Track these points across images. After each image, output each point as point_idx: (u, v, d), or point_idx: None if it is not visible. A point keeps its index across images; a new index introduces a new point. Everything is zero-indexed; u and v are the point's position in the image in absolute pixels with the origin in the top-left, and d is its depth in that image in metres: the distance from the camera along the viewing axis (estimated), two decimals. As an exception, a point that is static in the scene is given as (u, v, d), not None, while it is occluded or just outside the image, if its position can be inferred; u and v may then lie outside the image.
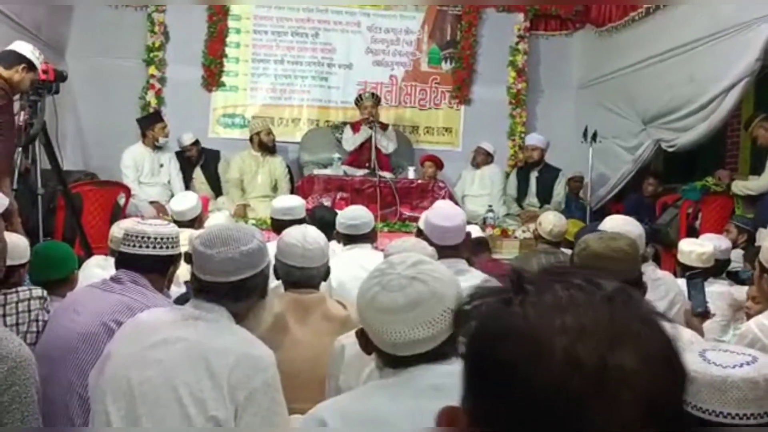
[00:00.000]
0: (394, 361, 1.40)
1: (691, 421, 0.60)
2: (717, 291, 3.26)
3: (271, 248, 2.17)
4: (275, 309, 2.34)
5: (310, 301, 2.39)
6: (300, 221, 3.56)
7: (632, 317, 0.62)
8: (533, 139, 6.97)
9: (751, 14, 5.04)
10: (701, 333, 2.64)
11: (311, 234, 2.46)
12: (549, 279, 0.64)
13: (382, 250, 2.78)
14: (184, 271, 2.57)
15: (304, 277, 2.40)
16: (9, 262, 2.37)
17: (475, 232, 3.72)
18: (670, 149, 6.38)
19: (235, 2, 7.31)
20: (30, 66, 3.96)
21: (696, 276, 2.77)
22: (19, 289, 2.42)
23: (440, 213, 3.01)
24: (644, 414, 0.58)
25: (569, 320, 0.60)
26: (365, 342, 1.47)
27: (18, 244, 2.54)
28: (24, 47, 4.02)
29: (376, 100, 6.76)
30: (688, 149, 6.24)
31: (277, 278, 2.46)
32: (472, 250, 3.46)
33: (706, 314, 2.73)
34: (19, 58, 3.93)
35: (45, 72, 4.03)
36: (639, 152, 6.78)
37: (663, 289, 2.80)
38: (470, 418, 0.64)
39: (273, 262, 2.26)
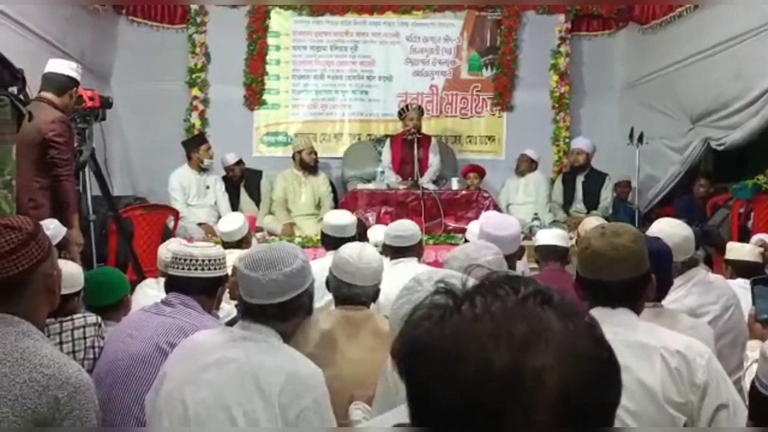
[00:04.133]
0: None
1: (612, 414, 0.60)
2: None
3: (317, 265, 2.17)
4: (325, 326, 2.35)
5: (359, 317, 2.40)
6: (352, 239, 3.56)
7: (546, 317, 0.62)
8: (579, 143, 6.87)
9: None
10: (765, 340, 2.54)
11: (367, 254, 2.48)
12: (474, 290, 0.65)
13: (430, 264, 2.77)
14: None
15: (353, 295, 2.42)
16: (64, 291, 2.42)
17: (559, 241, 3.58)
18: (720, 147, 6.21)
19: (273, 3, 7.36)
20: (76, 85, 4.02)
21: (761, 280, 2.65)
22: (75, 316, 2.48)
23: (495, 222, 2.98)
24: (560, 412, 0.58)
25: (482, 329, 0.61)
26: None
27: (72, 272, 2.60)
28: (66, 67, 4.01)
29: (421, 111, 6.74)
30: (739, 147, 6.06)
31: (328, 289, 2.48)
32: (544, 257, 3.40)
33: None
34: (70, 82, 3.97)
35: (91, 99, 4.12)
36: (687, 152, 6.62)
37: (715, 293, 2.70)
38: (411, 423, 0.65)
39: (319, 278, 2.27)
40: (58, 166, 3.78)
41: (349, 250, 2.48)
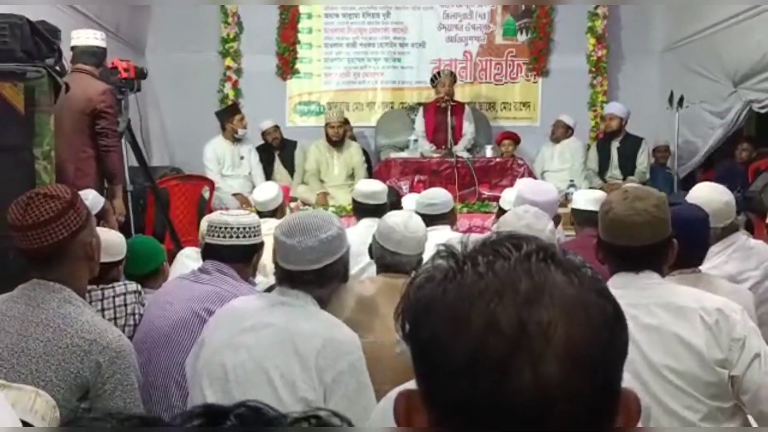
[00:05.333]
0: None
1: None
2: None
3: (350, 232, 2.18)
4: (367, 292, 2.36)
5: (401, 285, 2.38)
6: (382, 206, 3.56)
7: (549, 272, 0.62)
8: (612, 108, 6.71)
9: None
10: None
11: (414, 222, 2.47)
12: (475, 251, 0.65)
13: (464, 232, 2.75)
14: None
15: (396, 263, 2.42)
16: (107, 259, 2.48)
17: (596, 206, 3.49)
18: (763, 110, 6.02)
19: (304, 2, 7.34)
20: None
21: None
22: (116, 284, 2.53)
23: (532, 188, 2.96)
24: (567, 365, 0.58)
25: (485, 286, 0.61)
26: None
27: (115, 241, 2.65)
28: (93, 37, 4.03)
29: (453, 78, 6.65)
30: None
31: (371, 257, 2.49)
32: (580, 222, 3.35)
33: None
34: (104, 53, 4.04)
35: (126, 70, 4.16)
36: (729, 116, 6.43)
37: (756, 259, 2.65)
38: (420, 397, 0.64)
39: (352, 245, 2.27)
40: (107, 136, 3.86)
41: (396, 218, 2.48)
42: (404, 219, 2.46)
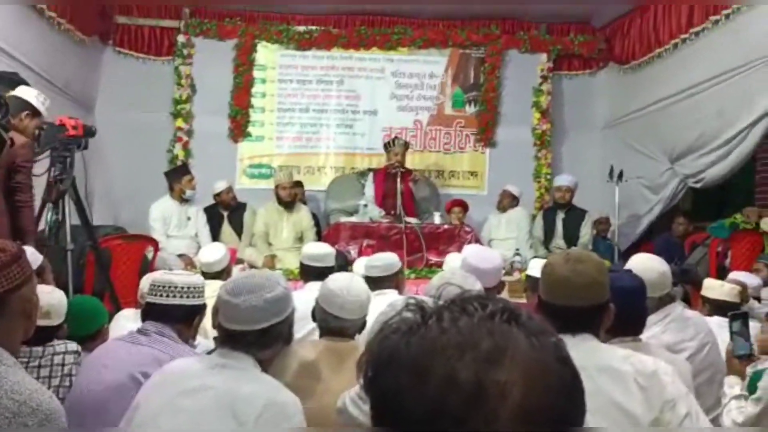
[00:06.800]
0: None
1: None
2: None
3: (297, 296, 2.16)
4: (309, 356, 2.33)
5: (344, 349, 2.37)
6: (330, 269, 3.55)
7: (512, 333, 0.63)
8: (565, 180, 6.87)
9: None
10: (743, 376, 2.55)
11: (356, 286, 2.46)
12: (443, 306, 0.66)
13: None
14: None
15: (339, 327, 2.40)
16: (49, 323, 2.40)
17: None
18: (697, 185, 6.29)
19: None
20: (34, 112, 3.96)
21: (739, 316, 2.66)
22: (56, 342, 2.44)
23: (477, 254, 2.99)
24: (521, 423, 0.59)
25: (447, 341, 0.62)
26: None
27: (58, 302, 2.56)
28: (27, 93, 4.00)
29: (406, 146, 6.78)
30: (716, 184, 6.15)
31: (314, 320, 2.46)
32: (533, 287, 3.40)
33: (750, 357, 2.60)
34: (22, 105, 3.91)
35: (74, 127, 4.10)
36: (666, 191, 6.70)
37: (692, 330, 2.72)
38: None
39: (299, 309, 2.25)
40: (22, 191, 3.72)
41: (338, 282, 2.46)
42: (347, 282, 2.45)
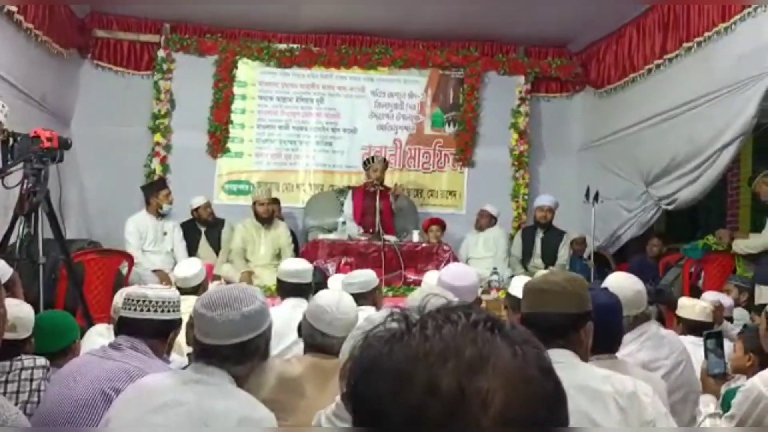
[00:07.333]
0: None
1: None
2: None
3: (274, 312, 2.14)
4: (293, 372, 2.30)
5: (329, 366, 2.35)
6: (307, 285, 3.53)
7: (495, 342, 0.63)
8: (547, 200, 6.89)
9: (747, 72, 5.12)
10: (718, 395, 2.57)
11: (345, 304, 2.45)
12: (427, 315, 0.66)
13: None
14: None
15: (325, 344, 2.38)
16: (16, 336, 2.34)
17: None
18: (670, 207, 6.38)
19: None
20: None
21: (714, 335, 2.69)
22: (24, 357, 2.39)
23: (453, 273, 2.99)
24: None
25: (429, 348, 0.62)
26: None
27: (25, 315, 2.51)
28: None
29: (385, 165, 6.80)
30: (688, 206, 6.25)
31: (299, 335, 2.44)
32: (513, 306, 3.40)
33: (724, 375, 2.62)
34: None
35: (49, 140, 4.04)
36: (641, 213, 6.79)
37: (667, 348, 2.74)
38: None
39: (275, 325, 2.23)
40: None
41: (327, 299, 2.45)
42: (336, 300, 2.44)
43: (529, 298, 1.93)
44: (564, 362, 1.79)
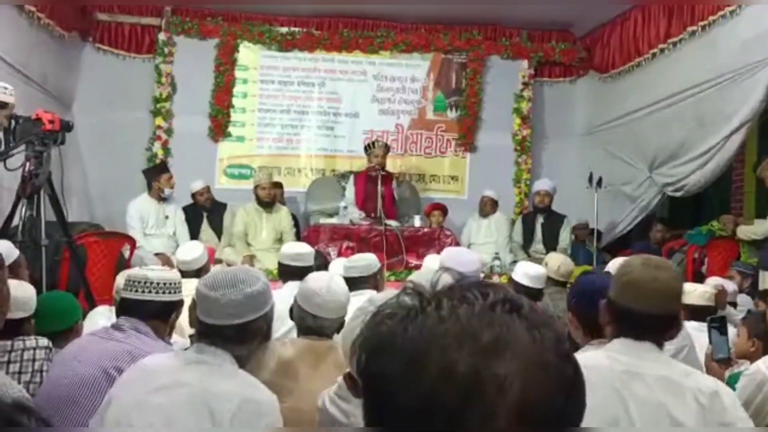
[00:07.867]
0: None
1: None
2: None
3: (275, 296, 2.14)
4: (286, 354, 2.30)
5: (322, 348, 2.35)
6: (309, 268, 3.52)
7: (513, 325, 0.61)
8: (544, 185, 6.89)
9: (754, 57, 5.08)
10: (722, 379, 2.56)
11: (336, 285, 2.43)
12: (442, 292, 0.64)
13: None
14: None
15: (317, 326, 2.37)
16: (18, 315, 2.34)
17: (534, 283, 3.63)
18: (677, 194, 6.36)
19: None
20: (1, 104, 3.87)
21: (717, 320, 2.68)
22: (26, 338, 2.39)
23: (455, 257, 2.98)
24: (519, 422, 0.57)
25: (445, 330, 0.60)
26: (353, 385, 1.44)
27: (25, 295, 2.51)
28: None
29: (387, 149, 6.78)
30: (694, 193, 6.22)
31: (291, 319, 2.44)
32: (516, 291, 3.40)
33: (728, 360, 2.61)
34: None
35: (51, 122, 4.03)
36: (645, 198, 6.77)
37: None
38: (366, 423, 0.64)
39: (277, 309, 2.22)
40: None
41: (317, 281, 2.42)
42: (326, 282, 2.42)
43: (629, 292, 1.79)
44: (649, 354, 1.75)
